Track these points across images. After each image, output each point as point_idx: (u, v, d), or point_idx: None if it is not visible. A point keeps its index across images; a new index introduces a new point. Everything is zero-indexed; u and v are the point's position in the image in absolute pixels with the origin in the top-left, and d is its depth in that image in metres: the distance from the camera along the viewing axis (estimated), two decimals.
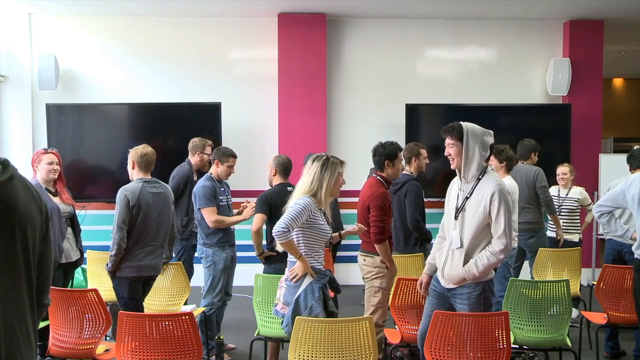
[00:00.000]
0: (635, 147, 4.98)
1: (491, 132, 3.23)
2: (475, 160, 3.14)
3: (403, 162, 4.81)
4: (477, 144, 3.14)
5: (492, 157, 4.66)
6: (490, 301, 3.24)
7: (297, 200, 3.22)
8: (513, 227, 4.69)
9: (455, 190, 3.30)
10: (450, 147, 3.20)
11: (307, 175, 3.31)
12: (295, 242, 3.25)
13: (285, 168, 4.40)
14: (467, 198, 3.17)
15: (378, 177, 4.16)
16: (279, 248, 3.31)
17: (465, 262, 3.15)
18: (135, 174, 3.95)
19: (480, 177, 3.16)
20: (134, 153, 3.94)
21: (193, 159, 5.36)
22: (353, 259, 4.82)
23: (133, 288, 3.88)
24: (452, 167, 3.25)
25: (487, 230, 3.15)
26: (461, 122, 3.19)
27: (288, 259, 3.37)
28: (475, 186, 3.15)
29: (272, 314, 3.65)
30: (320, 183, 3.27)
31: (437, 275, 3.35)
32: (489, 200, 3.08)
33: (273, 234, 3.14)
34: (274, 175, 4.41)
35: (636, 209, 3.60)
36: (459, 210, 3.20)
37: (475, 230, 3.14)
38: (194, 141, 5.45)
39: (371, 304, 4.06)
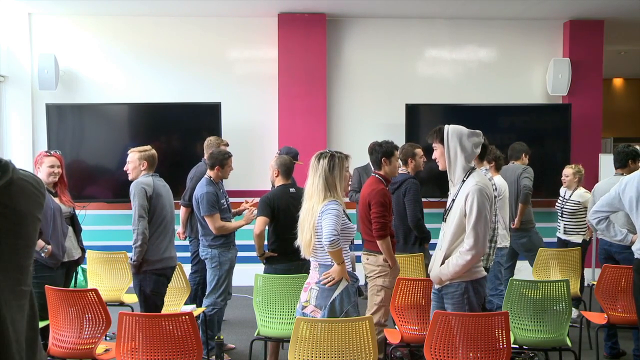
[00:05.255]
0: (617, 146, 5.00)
1: (478, 132, 3.26)
2: (459, 161, 3.18)
3: (400, 162, 4.85)
4: (458, 146, 3.17)
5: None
6: (474, 302, 3.19)
7: (327, 207, 3.15)
8: (504, 225, 4.72)
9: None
10: (435, 151, 3.29)
11: (317, 177, 3.23)
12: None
13: (287, 169, 4.39)
14: (453, 200, 3.22)
15: (377, 175, 4.22)
16: (305, 255, 3.27)
17: (443, 263, 3.19)
18: (143, 172, 4.08)
19: (465, 179, 3.18)
20: (145, 155, 4.08)
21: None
22: (357, 259, 4.83)
23: (157, 283, 3.98)
24: (440, 169, 3.32)
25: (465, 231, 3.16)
26: (445, 125, 3.24)
27: (316, 261, 3.27)
28: (460, 188, 3.18)
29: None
30: (333, 184, 3.21)
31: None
32: (464, 200, 3.11)
33: (326, 244, 3.07)
34: (276, 177, 4.39)
35: (635, 212, 3.56)
36: (446, 212, 3.27)
37: (454, 231, 3.16)
38: (210, 140, 5.41)
39: (374, 302, 4.09)
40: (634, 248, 3.64)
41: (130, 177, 4.11)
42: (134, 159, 4.08)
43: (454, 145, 3.17)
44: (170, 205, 4.16)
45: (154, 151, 4.16)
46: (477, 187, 3.09)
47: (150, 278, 3.96)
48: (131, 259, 3.94)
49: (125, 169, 4.15)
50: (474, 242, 3.06)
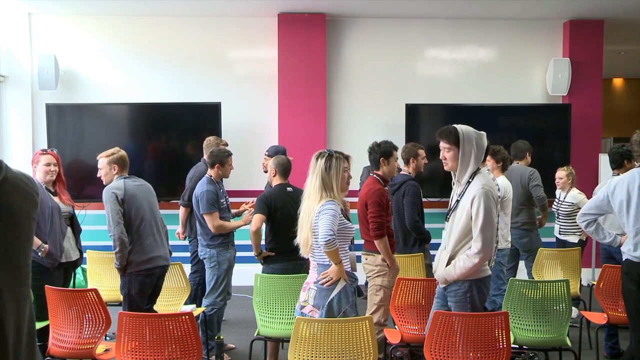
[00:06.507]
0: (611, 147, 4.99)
1: (484, 133, 3.22)
2: (471, 165, 3.14)
3: (401, 162, 4.85)
4: (473, 149, 3.12)
5: (489, 157, 4.74)
6: (477, 301, 3.17)
7: (324, 207, 3.15)
8: (505, 226, 4.73)
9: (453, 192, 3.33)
10: (446, 151, 3.18)
11: (315, 177, 3.24)
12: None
13: (284, 169, 4.40)
14: (458, 201, 3.19)
15: (375, 175, 4.22)
16: (304, 254, 3.29)
17: (449, 264, 3.16)
18: (116, 176, 4.05)
19: (470, 180, 3.15)
20: (114, 158, 4.05)
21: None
22: (358, 259, 4.83)
23: (143, 285, 3.94)
24: (446, 169, 3.24)
25: (471, 234, 3.13)
26: (456, 126, 3.17)
27: (315, 261, 3.28)
28: (466, 189, 3.16)
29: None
30: (330, 184, 3.21)
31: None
32: (470, 202, 3.08)
33: (322, 244, 3.07)
34: (274, 176, 4.40)
35: (625, 214, 3.51)
36: (450, 212, 3.24)
37: (460, 232, 3.15)
38: (209, 140, 5.41)
39: (373, 302, 4.10)
40: (623, 249, 3.61)
41: (104, 183, 4.08)
42: (104, 164, 4.05)
43: (469, 149, 3.11)
44: (149, 202, 4.05)
45: (122, 152, 4.11)
46: (483, 191, 3.07)
47: (136, 280, 3.92)
48: (115, 262, 3.92)
49: (98, 175, 4.12)
50: (482, 245, 3.05)
